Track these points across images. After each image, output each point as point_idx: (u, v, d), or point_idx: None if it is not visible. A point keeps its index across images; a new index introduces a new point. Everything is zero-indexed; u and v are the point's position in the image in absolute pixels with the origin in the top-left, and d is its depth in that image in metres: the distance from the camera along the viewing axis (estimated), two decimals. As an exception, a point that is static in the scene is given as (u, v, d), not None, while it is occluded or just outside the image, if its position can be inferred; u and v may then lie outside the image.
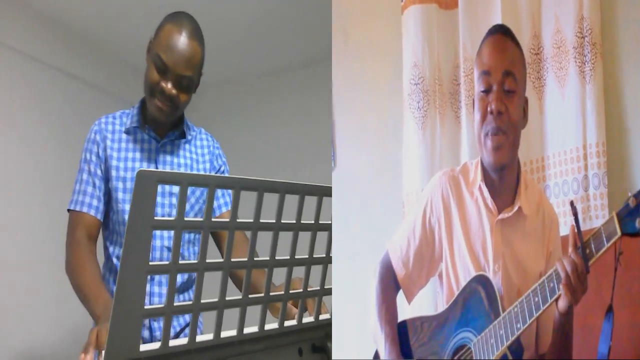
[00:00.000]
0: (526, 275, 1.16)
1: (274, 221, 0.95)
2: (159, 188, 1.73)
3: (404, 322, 1.27)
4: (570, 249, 1.00)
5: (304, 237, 1.02)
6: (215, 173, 1.94)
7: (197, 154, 1.92)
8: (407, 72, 1.72)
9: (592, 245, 0.98)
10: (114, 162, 1.76)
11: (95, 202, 1.74)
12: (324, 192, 1.02)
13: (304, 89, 4.24)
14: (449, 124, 1.67)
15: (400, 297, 1.29)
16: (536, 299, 1.03)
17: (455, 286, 1.20)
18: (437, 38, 1.70)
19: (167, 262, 0.84)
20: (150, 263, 0.81)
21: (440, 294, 1.27)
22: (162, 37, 1.69)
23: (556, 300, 1.01)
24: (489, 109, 1.16)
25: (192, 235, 1.87)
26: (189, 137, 1.90)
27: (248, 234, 0.96)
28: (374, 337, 1.28)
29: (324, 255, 1.09)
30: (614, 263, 0.99)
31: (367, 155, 1.78)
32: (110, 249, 1.81)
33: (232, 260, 0.91)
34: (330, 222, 1.09)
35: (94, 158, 1.76)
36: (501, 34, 1.20)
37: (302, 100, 4.26)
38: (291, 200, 0.95)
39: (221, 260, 0.90)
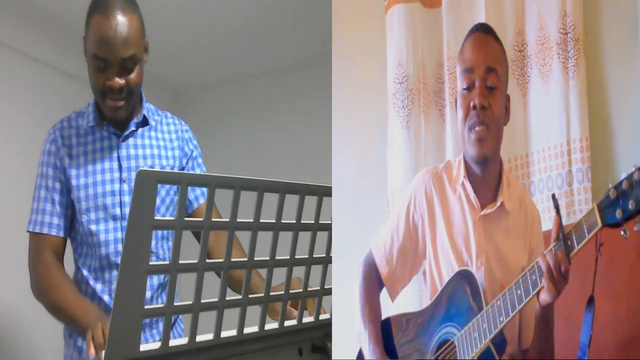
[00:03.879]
0: (509, 270, 1.15)
1: (274, 221, 0.96)
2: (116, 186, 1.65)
3: (387, 320, 1.27)
4: (552, 240, 1.00)
5: (304, 237, 1.02)
6: (187, 160, 1.83)
7: (165, 139, 1.79)
8: (391, 71, 1.71)
9: (574, 237, 0.97)
10: (73, 171, 1.65)
11: (55, 220, 1.64)
12: (324, 192, 1.03)
13: (304, 89, 4.23)
14: (433, 122, 1.66)
15: (385, 295, 1.28)
16: (519, 292, 1.02)
17: (439, 282, 1.20)
18: (421, 37, 1.69)
19: (167, 262, 0.84)
20: (151, 263, 0.82)
21: (425, 291, 1.26)
22: (91, 33, 1.57)
23: (538, 293, 1.01)
24: (471, 104, 1.17)
25: (165, 231, 1.74)
26: (153, 123, 1.77)
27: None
28: (358, 336, 1.28)
29: (324, 255, 1.09)
30: (595, 254, 0.99)
31: (353, 153, 1.77)
32: (80, 261, 1.72)
33: (232, 260, 0.92)
34: (330, 222, 1.09)
35: (50, 171, 1.65)
36: (482, 32, 1.21)
37: (302, 100, 4.25)
38: (291, 200, 0.95)
39: (221, 260, 0.91)
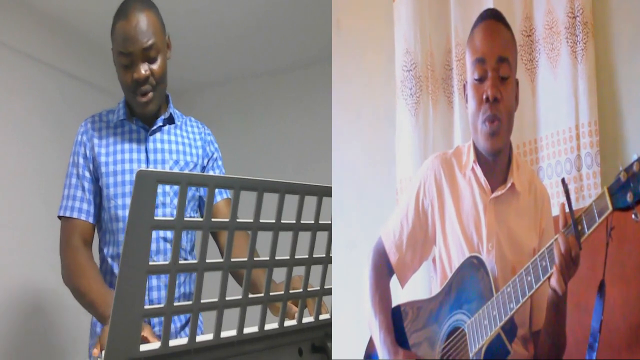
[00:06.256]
0: (520, 252, 1.15)
1: (274, 221, 0.96)
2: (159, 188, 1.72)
3: (397, 307, 1.27)
4: (561, 227, 0.99)
5: (304, 237, 1.02)
6: (209, 160, 1.92)
7: (189, 138, 1.89)
8: (399, 59, 1.71)
9: (584, 222, 0.96)
10: (102, 159, 1.74)
11: (85, 206, 1.72)
12: (324, 192, 1.03)
13: (304, 89, 4.21)
14: (442, 109, 1.65)
15: (395, 282, 1.28)
16: (529, 278, 1.02)
17: (449, 269, 1.19)
18: (429, 24, 1.68)
19: (167, 262, 0.84)
20: (150, 263, 0.82)
21: (435, 278, 1.26)
22: (115, 37, 1.69)
23: (549, 278, 1.00)
24: (484, 96, 1.15)
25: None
26: (178, 123, 1.88)
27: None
28: (368, 325, 1.27)
29: (324, 255, 1.09)
30: (605, 239, 0.98)
31: (360, 144, 1.76)
32: (105, 250, 1.79)
33: (232, 260, 0.91)
34: (330, 222, 1.09)
35: (81, 160, 1.75)
36: (493, 19, 1.19)
37: (302, 99, 4.24)
38: (291, 200, 0.95)
39: (221, 260, 0.91)
